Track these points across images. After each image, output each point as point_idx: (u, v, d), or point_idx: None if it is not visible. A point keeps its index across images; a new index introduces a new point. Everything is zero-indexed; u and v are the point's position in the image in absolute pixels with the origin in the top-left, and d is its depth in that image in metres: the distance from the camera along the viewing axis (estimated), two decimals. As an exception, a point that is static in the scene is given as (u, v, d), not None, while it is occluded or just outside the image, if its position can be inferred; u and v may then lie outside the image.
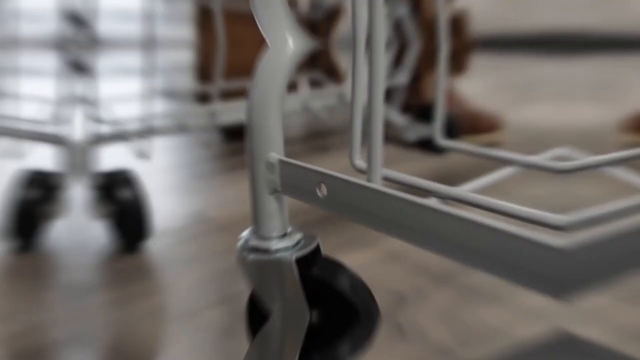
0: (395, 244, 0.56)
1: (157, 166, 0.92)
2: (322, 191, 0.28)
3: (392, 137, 1.08)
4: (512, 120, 1.21)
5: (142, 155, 0.60)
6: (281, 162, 0.30)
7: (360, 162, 0.31)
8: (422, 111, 0.90)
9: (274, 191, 0.31)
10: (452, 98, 1.03)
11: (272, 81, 0.29)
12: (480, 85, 1.82)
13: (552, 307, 0.43)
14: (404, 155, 0.95)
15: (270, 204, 0.31)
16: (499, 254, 0.20)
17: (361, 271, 0.52)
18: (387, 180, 0.31)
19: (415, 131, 0.90)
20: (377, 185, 0.25)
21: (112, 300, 0.46)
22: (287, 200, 0.31)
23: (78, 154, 0.60)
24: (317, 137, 1.11)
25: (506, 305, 0.43)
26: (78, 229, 0.64)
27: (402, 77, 0.91)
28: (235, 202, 0.71)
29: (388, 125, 1.09)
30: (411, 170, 0.84)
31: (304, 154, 0.97)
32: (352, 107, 0.30)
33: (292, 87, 1.08)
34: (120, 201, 0.54)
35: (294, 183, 0.29)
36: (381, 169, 0.26)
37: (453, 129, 0.87)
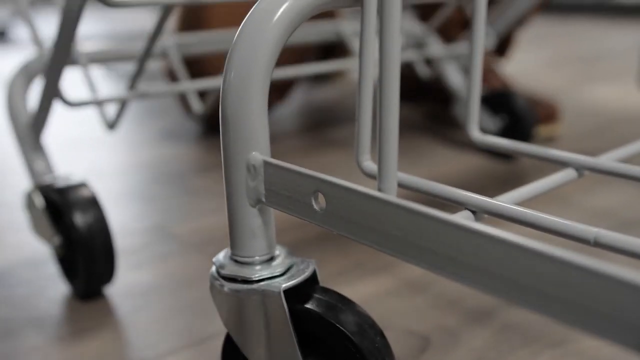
0: (415, 271, 0.56)
1: (107, 165, 0.92)
2: (320, 202, 0.28)
3: (435, 129, 1.08)
4: (572, 105, 1.21)
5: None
6: (266, 164, 0.30)
7: (370, 165, 0.31)
8: (489, 98, 0.90)
9: (257, 202, 0.31)
10: (493, 79, 1.03)
11: (256, 53, 0.29)
12: (531, 60, 1.83)
13: (625, 355, 0.43)
14: (450, 155, 0.96)
15: (252, 219, 0.31)
16: (558, 291, 0.20)
17: (371, 305, 0.52)
18: (404, 187, 0.31)
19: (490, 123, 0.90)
20: (391, 195, 0.25)
21: (47, 341, 0.46)
22: (275, 213, 0.32)
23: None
24: (320, 129, 1.11)
25: (564, 353, 0.43)
26: (16, 246, 0.64)
27: (488, 39, 0.90)
28: (208, 214, 0.71)
29: (445, 104, 1.09)
30: (453, 173, 0.84)
31: (301, 154, 0.97)
32: (359, 89, 0.30)
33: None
34: (71, 231, 0.50)
35: (283, 192, 0.29)
36: (396, 174, 0.26)
37: (524, 123, 0.85)
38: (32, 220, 0.55)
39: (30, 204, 0.55)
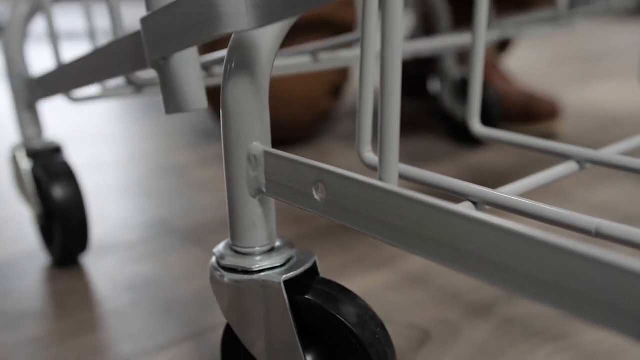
0: (417, 263, 0.56)
1: (108, 158, 0.92)
2: (321, 192, 0.28)
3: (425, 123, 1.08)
4: (573, 103, 1.21)
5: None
6: (267, 154, 0.30)
7: (371, 156, 0.31)
8: (463, 85, 0.93)
9: (258, 192, 0.31)
10: (494, 75, 1.03)
11: (257, 43, 0.29)
12: (532, 58, 1.82)
13: (625, 349, 0.43)
14: (450, 150, 0.96)
15: (253, 209, 0.31)
16: (559, 279, 0.20)
17: (371, 298, 0.52)
18: (405, 178, 0.31)
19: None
20: (392, 185, 0.25)
21: (42, 334, 0.46)
22: (275, 204, 0.31)
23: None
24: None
25: (564, 347, 0.43)
26: (17, 239, 0.64)
27: (491, 34, 0.91)
28: (209, 208, 0.71)
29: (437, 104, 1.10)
30: (454, 169, 0.84)
31: (302, 145, 0.97)
32: (360, 81, 0.30)
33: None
34: (51, 201, 0.55)
35: (284, 182, 0.29)
36: (397, 163, 0.26)
37: (490, 113, 0.91)
38: (14, 175, 0.59)
39: (13, 160, 0.59)
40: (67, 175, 0.55)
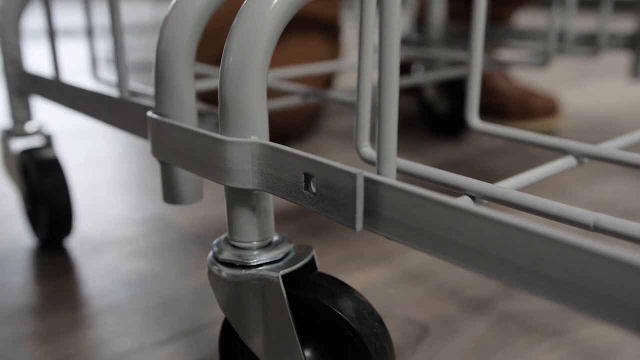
0: (416, 259, 0.56)
1: (106, 155, 0.92)
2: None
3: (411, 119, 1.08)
4: (571, 100, 1.21)
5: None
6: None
7: (369, 151, 0.31)
8: (446, 82, 0.95)
9: (256, 187, 0.31)
10: (493, 72, 1.03)
11: (255, 37, 0.29)
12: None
13: (624, 344, 0.43)
14: (448, 147, 0.96)
15: (250, 204, 0.31)
16: (557, 273, 0.20)
17: (370, 294, 0.52)
18: (403, 173, 0.31)
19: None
20: (390, 179, 0.25)
21: (39, 330, 0.46)
22: (274, 199, 0.32)
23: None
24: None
25: (563, 342, 0.43)
26: (14, 235, 0.64)
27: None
28: (207, 205, 0.71)
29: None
30: (451, 166, 0.84)
31: (295, 143, 0.97)
32: (359, 78, 0.30)
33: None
34: (38, 187, 0.57)
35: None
36: (395, 158, 0.26)
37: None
38: (3, 159, 0.62)
39: (4, 140, 0.61)
40: (52, 161, 0.57)
